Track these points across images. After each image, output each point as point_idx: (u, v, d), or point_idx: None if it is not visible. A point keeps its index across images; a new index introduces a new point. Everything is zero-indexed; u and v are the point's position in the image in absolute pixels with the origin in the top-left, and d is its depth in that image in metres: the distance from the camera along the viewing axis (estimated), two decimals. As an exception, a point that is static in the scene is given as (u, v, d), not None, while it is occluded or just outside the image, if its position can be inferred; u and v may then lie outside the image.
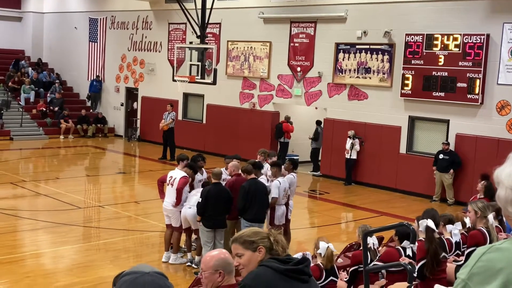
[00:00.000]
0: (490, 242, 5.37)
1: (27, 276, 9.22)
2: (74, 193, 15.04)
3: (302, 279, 3.22)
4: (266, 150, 11.42)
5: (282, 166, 10.68)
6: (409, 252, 6.53)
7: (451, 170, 15.55)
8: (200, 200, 9.34)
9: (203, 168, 10.82)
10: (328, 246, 6.55)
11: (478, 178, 10.76)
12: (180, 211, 9.92)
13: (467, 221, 7.63)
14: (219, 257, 3.53)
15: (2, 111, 24.23)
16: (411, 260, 6.20)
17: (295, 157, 17.41)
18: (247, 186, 9.45)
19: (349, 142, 17.56)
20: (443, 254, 6.25)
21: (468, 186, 14.92)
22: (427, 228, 6.17)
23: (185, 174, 9.94)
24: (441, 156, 15.71)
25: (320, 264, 6.48)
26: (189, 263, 10.08)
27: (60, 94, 26.25)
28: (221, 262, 3.49)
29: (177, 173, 9.98)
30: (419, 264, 6.12)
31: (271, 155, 11.45)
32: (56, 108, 25.48)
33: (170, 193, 9.94)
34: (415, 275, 5.75)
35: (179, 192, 9.81)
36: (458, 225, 7.27)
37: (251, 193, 9.39)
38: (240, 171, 9.97)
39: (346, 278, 6.61)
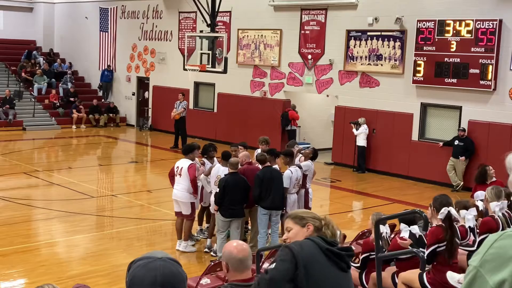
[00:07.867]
0: (503, 229, 5.35)
1: (41, 265, 9.31)
2: (87, 183, 15.15)
3: (341, 266, 3.25)
4: (267, 138, 11.35)
5: (300, 153, 10.87)
6: (405, 235, 6.55)
7: (463, 157, 15.47)
8: (217, 190, 9.39)
9: (214, 158, 10.84)
10: None
11: (490, 164, 10.66)
12: (191, 202, 9.99)
13: (480, 204, 7.65)
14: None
15: (15, 102, 24.39)
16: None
17: (306, 145, 17.40)
18: (262, 174, 9.48)
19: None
20: (456, 240, 6.24)
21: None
22: (448, 214, 6.14)
23: (191, 162, 9.98)
24: (456, 142, 15.64)
25: None
26: (206, 250, 10.14)
27: (73, 86, 26.35)
28: None
29: (183, 163, 10.02)
30: (430, 249, 6.11)
31: (291, 144, 11.41)
32: (72, 99, 25.57)
33: (179, 182, 9.99)
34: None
35: (193, 182, 9.86)
36: (473, 211, 7.25)
37: (266, 181, 9.42)
38: (250, 160, 10.03)
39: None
